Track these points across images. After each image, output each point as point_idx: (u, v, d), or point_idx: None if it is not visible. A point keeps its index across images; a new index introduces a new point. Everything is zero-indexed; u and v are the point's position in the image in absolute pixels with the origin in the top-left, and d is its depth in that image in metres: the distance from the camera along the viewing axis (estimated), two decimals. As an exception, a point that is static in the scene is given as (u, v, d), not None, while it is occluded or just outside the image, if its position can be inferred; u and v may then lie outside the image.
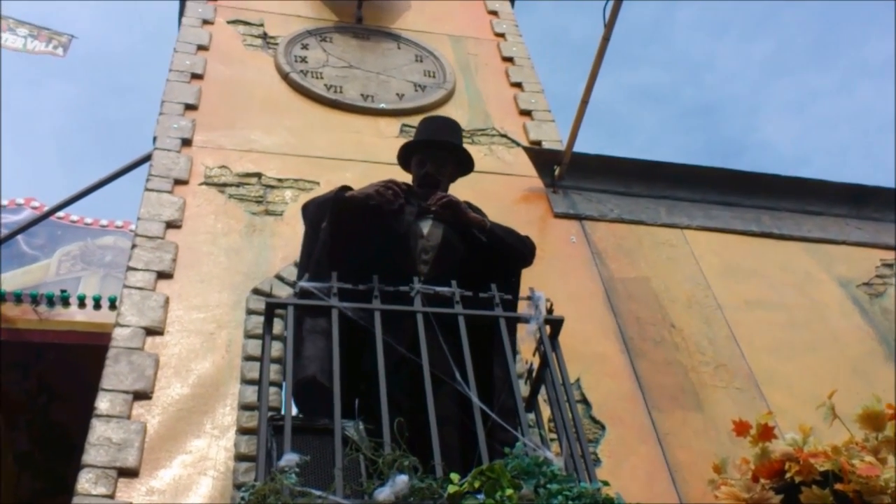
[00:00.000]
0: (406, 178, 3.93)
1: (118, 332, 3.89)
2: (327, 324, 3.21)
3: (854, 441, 2.82)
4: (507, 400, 3.22)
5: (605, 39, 4.88)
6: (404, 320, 3.24)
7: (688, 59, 29.99)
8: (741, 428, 2.96)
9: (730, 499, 2.85)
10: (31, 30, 7.49)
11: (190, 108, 5.33)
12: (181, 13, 6.37)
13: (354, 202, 3.55)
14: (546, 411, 3.46)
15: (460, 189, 3.98)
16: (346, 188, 3.62)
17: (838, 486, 2.67)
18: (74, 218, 8.04)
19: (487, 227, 3.66)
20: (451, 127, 3.97)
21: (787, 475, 2.77)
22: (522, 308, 3.52)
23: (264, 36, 6.15)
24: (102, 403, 3.57)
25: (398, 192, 3.58)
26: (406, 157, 3.94)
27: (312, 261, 3.55)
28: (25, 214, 7.84)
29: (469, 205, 3.79)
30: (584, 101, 5.05)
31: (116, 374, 3.70)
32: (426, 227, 3.63)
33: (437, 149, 3.85)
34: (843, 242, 5.47)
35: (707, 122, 30.14)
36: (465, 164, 3.96)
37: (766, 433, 2.89)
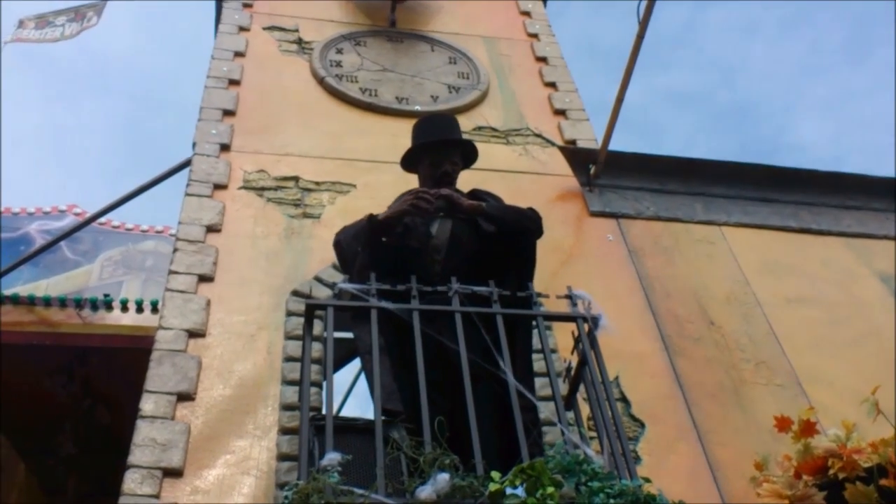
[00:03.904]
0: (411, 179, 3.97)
1: (161, 335, 3.95)
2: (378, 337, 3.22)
3: (898, 437, 2.79)
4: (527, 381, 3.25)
5: (640, 37, 4.87)
6: (438, 320, 3.26)
7: (720, 61, 29.79)
8: (783, 424, 2.93)
9: (772, 496, 2.83)
10: (69, 14, 7.55)
11: (228, 113, 5.40)
12: (217, 21, 6.45)
13: (391, 223, 3.59)
14: (585, 409, 3.46)
15: (496, 190, 4.00)
16: (373, 216, 3.65)
17: (884, 482, 2.64)
18: (116, 224, 8.16)
19: (484, 210, 3.66)
20: (455, 123, 4.01)
21: (831, 472, 2.74)
22: (560, 306, 3.54)
23: (299, 41, 6.21)
24: (147, 405, 3.63)
25: (430, 199, 3.60)
26: (413, 158, 3.95)
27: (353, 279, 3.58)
28: (68, 221, 7.97)
29: (478, 191, 3.81)
30: (619, 99, 5.04)
31: (160, 376, 3.76)
32: (434, 226, 3.67)
33: (450, 147, 3.88)
34: (884, 237, 5.40)
35: (741, 124, 29.90)
36: (468, 158, 3.99)
37: (809, 429, 2.87)
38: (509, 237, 3.64)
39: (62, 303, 6.45)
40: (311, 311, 3.33)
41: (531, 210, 3.77)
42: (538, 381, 3.58)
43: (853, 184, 5.61)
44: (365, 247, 3.56)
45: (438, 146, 3.87)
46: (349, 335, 3.59)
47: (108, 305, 6.50)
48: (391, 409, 3.15)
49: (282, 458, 3.53)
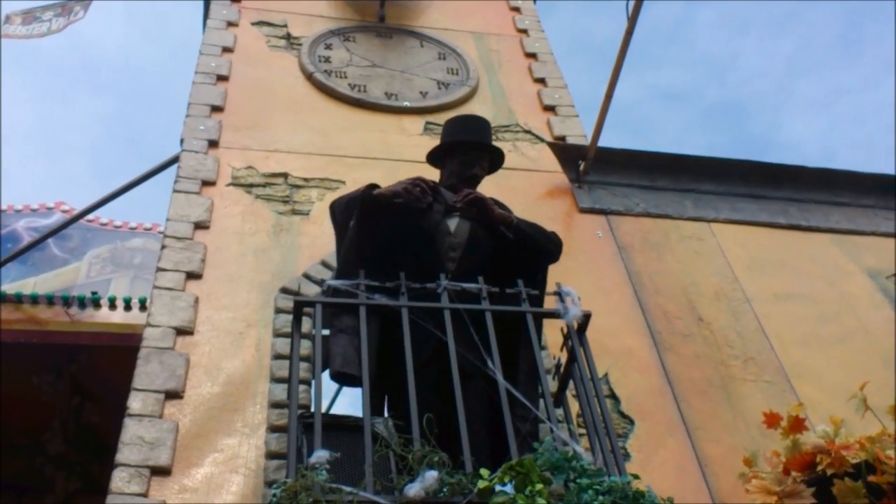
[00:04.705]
0: (432, 173, 3.95)
1: (149, 333, 3.93)
2: (353, 321, 3.24)
3: (886, 433, 2.80)
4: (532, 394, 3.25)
5: (629, 33, 4.87)
6: (432, 317, 3.25)
7: (711, 59, 29.92)
8: (772, 420, 2.94)
9: (761, 492, 2.83)
10: (55, 9, 7.49)
11: (216, 109, 5.37)
12: (206, 16, 6.42)
13: (382, 200, 3.56)
14: (575, 406, 3.46)
15: (485, 185, 3.99)
16: (373, 186, 3.64)
17: (871, 478, 2.65)
18: (104, 221, 8.12)
19: (514, 223, 3.67)
20: (490, 128, 4.01)
21: (819, 468, 2.75)
22: (550, 303, 3.54)
23: (288, 37, 6.19)
24: (135, 403, 3.61)
25: (426, 189, 3.59)
26: (441, 154, 3.94)
27: (340, 259, 3.57)
28: (56, 218, 7.93)
29: (495, 201, 3.80)
30: (609, 95, 5.04)
31: (148, 374, 3.74)
32: (453, 224, 3.65)
33: (482, 151, 3.88)
34: (872, 233, 5.42)
35: (731, 121, 30.03)
36: (494, 163, 3.99)
37: (798, 425, 2.87)
38: (526, 252, 3.64)
39: (50, 300, 6.42)
40: (300, 308, 3.32)
41: (555, 234, 3.80)
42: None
43: (842, 180, 5.63)
44: (358, 223, 3.53)
45: (473, 147, 3.86)
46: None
47: (96, 303, 6.48)
48: (348, 373, 3.21)
49: (270, 456, 3.51)
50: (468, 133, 3.89)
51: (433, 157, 3.97)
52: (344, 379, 3.30)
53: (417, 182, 3.58)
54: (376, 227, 3.54)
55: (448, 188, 3.78)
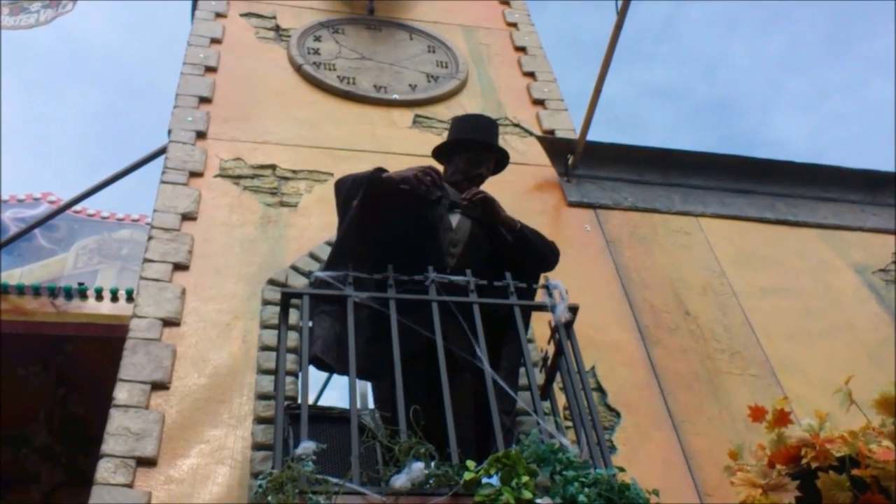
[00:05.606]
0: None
1: (135, 324, 3.92)
2: (338, 307, 3.24)
3: (871, 426, 2.81)
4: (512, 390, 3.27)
5: (618, 28, 4.87)
6: (422, 310, 3.25)
7: (700, 57, 29.98)
8: (757, 413, 2.96)
9: (746, 485, 2.84)
10: (44, 0, 7.43)
11: (204, 100, 5.34)
12: (194, 7, 6.39)
13: (390, 184, 3.55)
14: (561, 399, 3.47)
15: (474, 179, 3.99)
16: (381, 169, 3.63)
17: (855, 472, 2.66)
18: (91, 212, 8.10)
19: (517, 227, 3.67)
20: (497, 129, 4.01)
21: (804, 461, 2.76)
22: (538, 297, 3.55)
23: (277, 28, 6.16)
24: (121, 394, 3.60)
25: (436, 179, 3.58)
26: (449, 149, 3.93)
27: (339, 236, 3.57)
28: (43, 209, 7.90)
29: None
30: (598, 90, 5.04)
31: (134, 365, 3.73)
32: (455, 220, 3.66)
33: (488, 151, 3.87)
34: (859, 229, 5.44)
35: (720, 119, 30.10)
36: (498, 166, 3.99)
37: (783, 419, 2.89)
38: (525, 257, 3.65)
39: (36, 291, 6.39)
40: (287, 299, 3.31)
41: (554, 244, 3.81)
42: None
43: (829, 176, 5.65)
44: (361, 203, 3.52)
45: (483, 147, 3.86)
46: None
47: (83, 294, 6.45)
48: (325, 361, 3.22)
49: (257, 447, 3.51)
50: (479, 132, 3.89)
51: (439, 152, 3.96)
52: (321, 365, 3.30)
53: (429, 171, 3.57)
54: (379, 210, 3.53)
55: (452, 184, 3.77)
